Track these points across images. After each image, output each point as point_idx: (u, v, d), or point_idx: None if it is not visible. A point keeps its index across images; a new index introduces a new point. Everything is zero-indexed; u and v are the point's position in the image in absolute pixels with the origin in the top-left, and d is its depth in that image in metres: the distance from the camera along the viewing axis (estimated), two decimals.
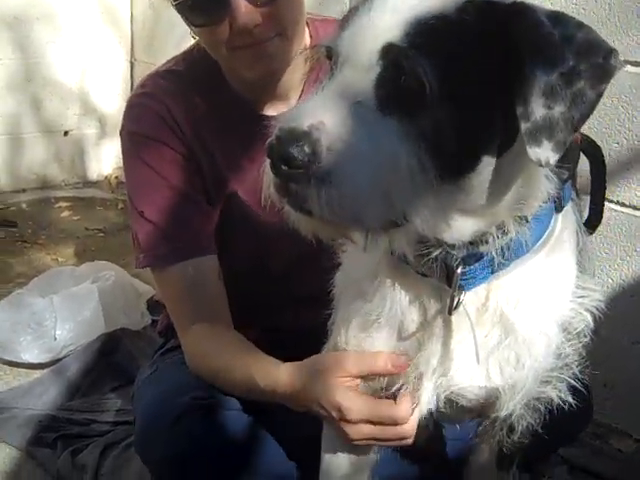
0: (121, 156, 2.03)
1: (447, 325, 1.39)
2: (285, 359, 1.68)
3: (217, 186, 1.98)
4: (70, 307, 3.07)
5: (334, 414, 1.49)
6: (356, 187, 1.10)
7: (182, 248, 1.91)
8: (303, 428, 1.65)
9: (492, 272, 1.33)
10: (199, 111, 1.96)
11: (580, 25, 1.13)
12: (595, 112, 2.75)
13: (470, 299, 1.36)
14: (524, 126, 1.10)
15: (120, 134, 2.02)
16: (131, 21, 5.40)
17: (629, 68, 2.63)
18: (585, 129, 2.78)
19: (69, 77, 5.23)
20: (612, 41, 2.64)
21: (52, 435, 2.57)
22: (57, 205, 4.95)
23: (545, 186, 1.27)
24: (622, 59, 2.61)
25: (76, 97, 5.29)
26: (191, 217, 1.94)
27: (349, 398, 1.48)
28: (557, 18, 1.12)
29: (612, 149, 2.70)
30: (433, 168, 1.13)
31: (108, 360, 2.94)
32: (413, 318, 1.41)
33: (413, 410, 1.47)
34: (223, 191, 1.98)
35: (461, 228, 1.27)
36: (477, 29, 1.13)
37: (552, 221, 1.36)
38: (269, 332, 2.03)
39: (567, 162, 1.27)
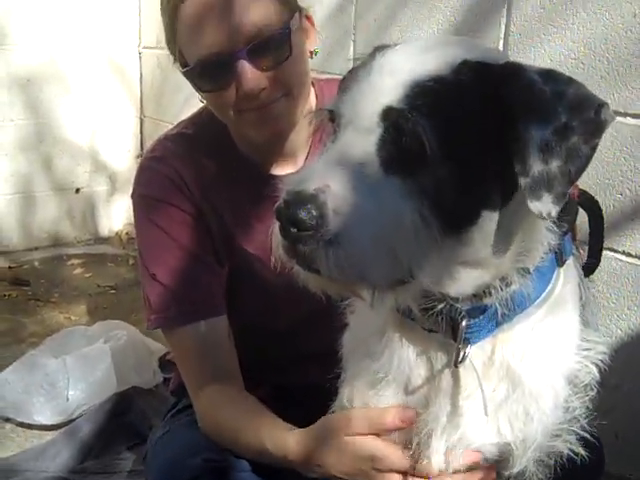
0: (132, 212, 2.08)
1: (455, 380, 1.41)
2: (295, 416, 1.69)
3: (226, 245, 2.01)
4: (82, 368, 3.08)
5: (364, 466, 1.49)
6: (362, 247, 1.13)
7: (193, 310, 1.93)
8: None
9: (497, 325, 1.35)
10: (208, 173, 2.00)
11: (570, 81, 1.18)
12: (598, 164, 2.82)
13: (476, 353, 1.37)
14: (524, 181, 1.14)
15: (132, 197, 2.07)
16: (140, 80, 5.50)
17: (629, 120, 2.67)
18: (588, 181, 2.85)
19: (79, 136, 5.33)
20: (612, 94, 2.69)
21: None
22: (69, 262, 5.00)
23: (546, 237, 1.31)
24: (622, 111, 2.69)
25: (86, 155, 5.38)
26: (202, 278, 1.96)
27: (382, 447, 1.48)
28: (548, 75, 1.17)
29: (616, 200, 2.73)
30: (436, 224, 1.16)
31: (120, 420, 2.93)
32: (420, 373, 1.43)
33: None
34: (232, 250, 2.01)
35: (465, 281, 1.30)
36: (473, 90, 1.18)
37: (554, 275, 1.38)
38: (278, 389, 2.05)
39: (566, 215, 1.32)
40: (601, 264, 2.74)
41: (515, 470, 1.47)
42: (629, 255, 2.72)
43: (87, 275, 4.78)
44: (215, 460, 1.79)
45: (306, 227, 1.12)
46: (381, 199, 1.15)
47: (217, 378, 1.90)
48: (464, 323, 1.33)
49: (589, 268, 1.55)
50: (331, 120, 1.28)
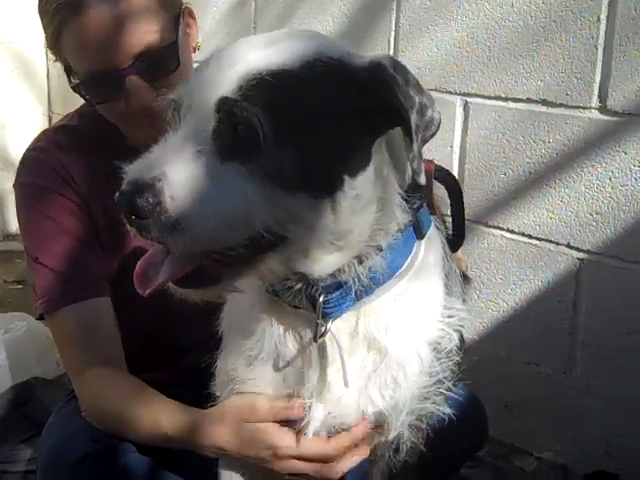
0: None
1: (323, 354, 1.47)
2: (189, 399, 1.72)
3: (115, 237, 2.00)
4: None
5: (265, 453, 1.54)
6: (206, 226, 1.19)
7: (77, 289, 1.93)
8: (202, 466, 1.69)
9: (357, 299, 1.41)
10: (93, 164, 2.00)
11: (404, 66, 1.27)
12: (483, 147, 2.94)
13: (341, 326, 1.44)
14: (416, 164, 1.24)
15: (14, 186, 2.07)
16: (47, 76, 5.45)
17: (510, 104, 2.81)
18: (475, 162, 2.99)
19: None
20: (493, 80, 2.83)
21: None
22: None
23: (399, 215, 1.38)
24: (503, 96, 2.82)
25: None
26: (84, 260, 1.97)
27: (282, 437, 1.53)
28: (395, 63, 1.25)
29: (500, 180, 2.86)
30: (284, 199, 1.22)
31: (20, 410, 2.92)
32: (290, 349, 1.49)
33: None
34: (122, 242, 2.01)
35: (328, 263, 1.36)
36: (326, 83, 1.25)
37: (414, 248, 1.45)
38: (174, 373, 2.08)
39: (418, 191, 1.40)
40: (488, 242, 2.90)
41: (391, 435, 1.54)
42: (513, 232, 2.87)
43: None
44: (103, 440, 1.81)
45: (145, 214, 1.17)
46: (220, 182, 1.20)
47: (100, 361, 1.89)
48: (321, 299, 1.39)
49: (455, 241, 1.63)
50: (174, 109, 1.32)
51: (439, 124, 1.27)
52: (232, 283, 1.33)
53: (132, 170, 1.22)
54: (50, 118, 5.54)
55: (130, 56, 1.83)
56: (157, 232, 1.19)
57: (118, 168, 1.96)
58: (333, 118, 1.25)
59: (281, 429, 1.54)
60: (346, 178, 1.27)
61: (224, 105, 1.21)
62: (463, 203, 1.62)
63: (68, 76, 1.96)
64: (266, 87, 1.20)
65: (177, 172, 1.19)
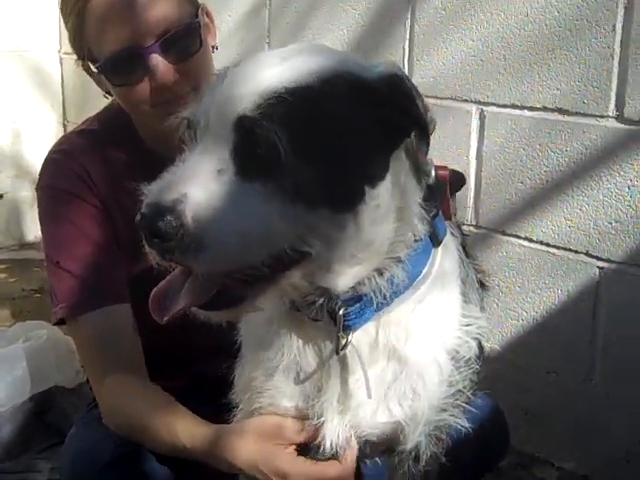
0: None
1: (343, 365, 1.48)
2: (211, 407, 1.70)
3: (133, 240, 2.01)
4: (0, 368, 3.07)
5: (274, 479, 1.55)
6: (229, 246, 1.19)
7: (97, 296, 1.94)
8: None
9: (376, 310, 1.42)
10: (113, 168, 2.03)
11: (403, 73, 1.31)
12: (500, 155, 2.94)
13: (361, 337, 1.44)
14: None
15: (36, 189, 2.08)
16: (62, 84, 5.48)
17: (526, 113, 2.81)
18: (493, 171, 2.98)
19: (1, 141, 5.31)
20: (509, 89, 2.84)
21: None
22: None
23: (418, 225, 1.38)
24: (519, 105, 2.82)
25: (9, 160, 5.35)
26: (105, 266, 1.98)
27: (294, 465, 1.54)
28: (404, 73, 1.30)
29: (517, 188, 2.87)
30: (306, 215, 1.23)
31: (41, 419, 2.94)
32: (310, 361, 1.49)
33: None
34: (141, 247, 2.03)
35: (347, 276, 1.36)
36: (340, 95, 1.25)
37: (431, 257, 1.45)
38: (198, 380, 2.08)
39: (433, 200, 1.41)
40: (506, 250, 2.90)
41: (408, 445, 1.55)
42: (531, 240, 2.87)
43: (11, 280, 4.74)
44: (127, 444, 1.81)
45: (168, 237, 1.17)
46: (242, 202, 1.20)
47: (120, 368, 1.90)
48: (341, 312, 1.40)
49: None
50: (189, 127, 1.31)
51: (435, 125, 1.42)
52: (255, 302, 1.33)
53: (152, 192, 1.21)
54: (65, 126, 5.56)
55: (153, 34, 1.86)
56: (179, 254, 1.18)
57: (137, 171, 2.01)
58: (350, 131, 1.26)
59: (294, 456, 1.55)
60: (367, 189, 1.28)
61: (243, 123, 1.20)
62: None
63: (90, 67, 1.98)
64: (283, 104, 1.20)
65: (198, 193, 1.18)
